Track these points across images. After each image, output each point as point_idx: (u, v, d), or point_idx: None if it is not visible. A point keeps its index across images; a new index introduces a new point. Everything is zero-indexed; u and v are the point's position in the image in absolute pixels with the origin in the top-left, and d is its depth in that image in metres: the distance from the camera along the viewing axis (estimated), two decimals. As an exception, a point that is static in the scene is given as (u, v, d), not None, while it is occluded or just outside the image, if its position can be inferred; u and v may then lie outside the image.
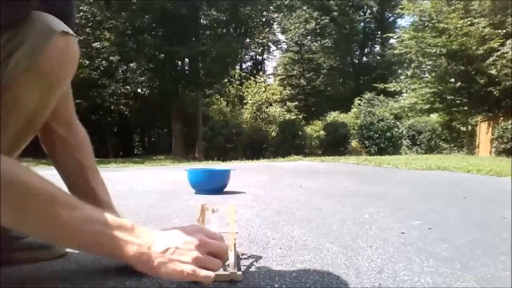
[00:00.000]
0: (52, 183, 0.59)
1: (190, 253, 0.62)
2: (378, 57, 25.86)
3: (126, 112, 17.91)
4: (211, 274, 0.62)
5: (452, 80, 13.02)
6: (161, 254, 0.61)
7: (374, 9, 25.46)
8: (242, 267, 0.81)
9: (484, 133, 12.26)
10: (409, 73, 15.17)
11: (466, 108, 13.60)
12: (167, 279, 0.66)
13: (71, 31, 0.70)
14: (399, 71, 22.32)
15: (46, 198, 0.57)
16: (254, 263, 0.85)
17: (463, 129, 15.52)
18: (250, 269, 0.80)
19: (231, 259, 0.75)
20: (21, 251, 0.81)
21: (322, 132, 14.17)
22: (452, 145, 15.24)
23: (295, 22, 24.83)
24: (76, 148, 0.87)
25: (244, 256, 0.89)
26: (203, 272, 0.62)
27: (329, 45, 25.59)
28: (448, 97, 13.41)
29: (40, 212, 0.56)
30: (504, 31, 11.57)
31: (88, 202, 0.64)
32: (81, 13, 14.05)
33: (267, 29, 21.84)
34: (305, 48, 26.51)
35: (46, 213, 0.56)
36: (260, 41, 23.96)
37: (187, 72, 15.81)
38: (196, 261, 0.62)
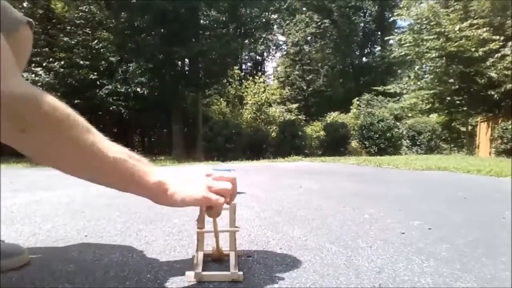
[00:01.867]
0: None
1: (201, 180, 0.69)
2: (378, 58, 25.87)
3: (126, 112, 17.90)
4: (222, 198, 0.69)
5: (452, 81, 13.02)
6: (174, 182, 0.68)
7: (374, 9, 25.48)
8: (239, 265, 0.81)
9: (484, 133, 12.26)
10: (411, 75, 15.18)
11: (466, 108, 13.61)
12: (182, 206, 0.70)
13: (31, 21, 0.78)
14: (399, 71, 22.34)
15: (81, 128, 0.61)
16: (254, 263, 0.84)
17: (463, 129, 15.52)
18: (250, 269, 0.80)
19: (232, 260, 0.75)
20: None
21: (322, 133, 14.16)
22: (452, 145, 15.25)
23: (296, 26, 24.86)
24: None
25: (244, 257, 0.89)
26: (214, 196, 0.68)
27: (329, 46, 25.61)
28: (448, 98, 13.41)
29: (75, 139, 0.60)
30: (503, 33, 11.58)
31: None
32: (81, 13, 14.06)
33: (267, 30, 21.84)
34: (305, 48, 26.53)
35: (79, 136, 0.60)
36: (260, 41, 23.96)
37: (187, 72, 15.81)
38: (207, 185, 0.69)
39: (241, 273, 0.72)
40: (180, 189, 0.67)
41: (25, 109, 0.55)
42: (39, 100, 0.57)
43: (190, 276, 0.71)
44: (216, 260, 0.82)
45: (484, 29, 11.62)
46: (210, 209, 0.70)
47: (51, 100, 0.59)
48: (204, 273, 0.72)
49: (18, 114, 0.55)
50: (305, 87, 25.95)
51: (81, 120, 0.62)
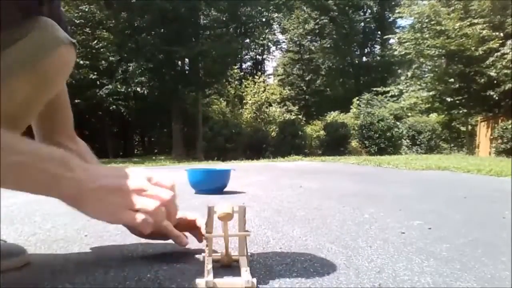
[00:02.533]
0: None
1: (124, 196, 0.59)
2: (378, 57, 25.86)
3: (126, 112, 17.91)
4: (147, 218, 0.59)
5: (452, 80, 13.02)
6: (96, 191, 0.58)
7: (374, 9, 25.46)
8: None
9: (484, 133, 12.27)
10: (409, 74, 15.19)
11: (465, 108, 13.62)
12: (97, 219, 0.63)
13: (75, 42, 0.73)
14: (399, 71, 22.34)
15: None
16: (254, 263, 0.84)
17: (463, 129, 15.52)
18: (250, 269, 0.80)
19: (244, 265, 0.74)
20: None
21: (322, 132, 14.17)
22: (452, 145, 15.25)
23: (294, 22, 24.85)
24: (88, 160, 0.86)
25: (250, 259, 0.88)
26: (137, 216, 0.58)
27: (329, 45, 25.60)
28: (448, 98, 13.41)
29: None
30: (503, 32, 11.57)
31: None
32: (81, 13, 14.05)
33: (267, 30, 21.84)
34: (305, 48, 26.52)
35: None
36: (260, 41, 23.96)
37: (187, 72, 15.82)
38: (130, 203, 0.59)
39: (254, 279, 0.70)
40: (95, 200, 0.59)
41: None
42: None
43: (201, 284, 0.68)
44: (224, 265, 0.81)
45: (485, 25, 11.62)
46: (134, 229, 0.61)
47: None
48: (216, 280, 0.68)
49: None
50: (304, 84, 25.94)
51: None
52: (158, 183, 0.66)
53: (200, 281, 0.68)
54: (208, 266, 0.72)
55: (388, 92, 16.83)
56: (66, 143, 0.83)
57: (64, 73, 0.73)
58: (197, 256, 0.89)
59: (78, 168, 0.59)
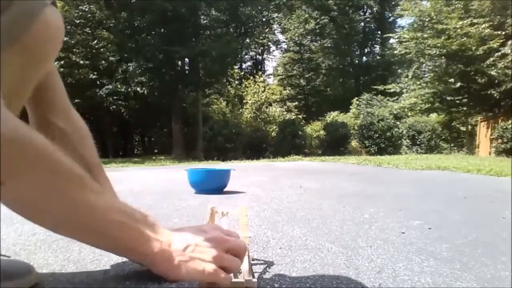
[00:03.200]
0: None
1: (210, 251, 0.59)
2: (378, 57, 25.86)
3: (126, 112, 17.91)
4: (230, 276, 0.60)
5: (452, 80, 13.03)
6: (181, 252, 0.58)
7: (374, 9, 25.46)
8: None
9: (484, 132, 12.26)
10: (410, 74, 15.19)
11: (466, 108, 13.62)
12: (187, 280, 0.63)
13: (54, 1, 0.65)
14: (399, 71, 22.34)
15: (76, 178, 0.52)
16: (267, 269, 0.83)
17: (463, 129, 15.52)
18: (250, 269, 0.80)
19: (245, 265, 0.74)
20: None
21: (322, 132, 14.17)
22: (452, 145, 15.25)
23: (295, 22, 24.85)
24: (78, 141, 0.80)
25: (255, 261, 0.88)
26: (223, 274, 0.59)
27: (329, 45, 25.60)
28: (448, 97, 13.41)
29: (66, 192, 0.51)
30: (504, 32, 11.58)
31: None
32: (81, 13, 14.05)
33: (267, 29, 21.85)
34: (305, 48, 26.53)
35: (74, 192, 0.51)
36: (260, 41, 23.97)
37: (187, 72, 15.81)
38: (216, 259, 0.59)
39: (255, 280, 0.70)
40: (185, 261, 0.58)
41: (6, 156, 0.45)
42: (25, 144, 0.47)
43: (202, 283, 0.68)
44: None
45: (486, 24, 11.62)
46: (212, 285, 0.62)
47: (41, 145, 0.49)
48: None
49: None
50: (304, 83, 25.94)
51: (78, 171, 0.52)
52: (230, 234, 0.67)
53: (201, 282, 0.68)
54: None
55: (389, 89, 16.81)
56: (58, 122, 0.77)
57: (54, 39, 0.64)
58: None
59: (164, 232, 0.60)
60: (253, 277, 0.71)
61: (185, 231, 0.63)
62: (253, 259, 0.88)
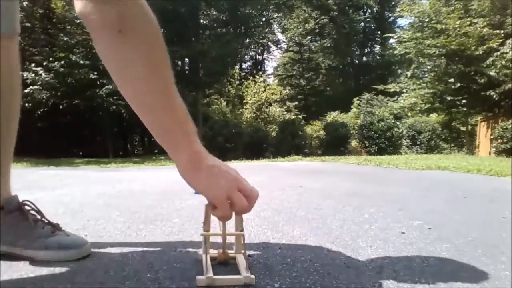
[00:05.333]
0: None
1: (228, 181, 0.66)
2: (378, 57, 25.87)
3: (126, 112, 17.89)
4: (228, 214, 0.67)
5: (452, 80, 13.03)
6: (208, 166, 0.66)
7: (374, 9, 25.47)
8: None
9: (484, 133, 12.26)
10: (409, 73, 15.20)
11: (465, 108, 13.62)
12: (201, 192, 0.69)
13: (17, 29, 0.75)
14: (399, 71, 22.35)
15: (169, 67, 0.63)
16: (254, 262, 0.84)
17: (463, 129, 15.52)
18: (250, 269, 0.80)
19: (243, 262, 0.74)
20: (45, 250, 0.82)
21: (322, 132, 14.17)
22: (452, 145, 15.25)
23: (295, 21, 24.86)
24: None
25: (250, 259, 0.88)
26: (225, 206, 0.66)
27: (329, 45, 25.61)
28: (448, 98, 13.42)
29: (164, 65, 0.63)
30: (503, 31, 11.58)
31: None
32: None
33: (267, 29, 21.84)
34: (305, 48, 26.53)
35: (167, 76, 0.63)
36: (260, 41, 23.97)
37: (186, 72, 15.81)
38: (230, 190, 0.66)
39: (253, 276, 0.71)
40: (207, 176, 0.66)
41: (125, 8, 0.57)
42: (140, 4, 0.60)
43: (201, 281, 0.68)
44: (221, 262, 0.81)
45: (485, 23, 11.62)
46: (214, 208, 0.68)
47: (147, 9, 0.63)
48: (215, 277, 0.69)
49: (116, 14, 0.55)
50: (304, 83, 25.95)
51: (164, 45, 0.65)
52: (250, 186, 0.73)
53: (200, 278, 0.68)
54: (207, 263, 0.73)
55: (389, 89, 16.82)
56: None
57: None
58: (196, 256, 0.89)
59: (203, 148, 0.68)
60: (251, 273, 0.72)
61: (218, 161, 0.70)
62: (249, 256, 0.88)
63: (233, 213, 0.78)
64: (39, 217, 0.89)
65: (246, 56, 27.03)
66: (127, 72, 0.62)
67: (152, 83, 0.62)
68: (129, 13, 0.57)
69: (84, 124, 16.36)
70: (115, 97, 15.61)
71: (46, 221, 0.90)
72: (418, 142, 13.48)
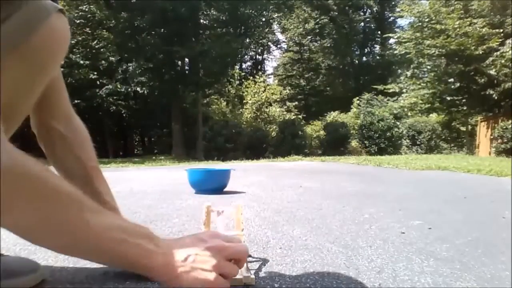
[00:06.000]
0: (71, 184, 0.55)
1: (210, 260, 0.60)
2: (378, 57, 25.87)
3: (126, 112, 17.91)
4: (227, 283, 0.62)
5: (452, 80, 13.03)
6: (182, 263, 0.59)
7: (374, 9, 25.47)
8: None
9: (484, 133, 12.26)
10: (408, 73, 15.20)
11: (465, 108, 13.61)
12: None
13: (62, 9, 0.65)
14: (399, 71, 22.34)
15: (74, 203, 0.53)
16: (262, 266, 0.84)
17: (463, 129, 15.51)
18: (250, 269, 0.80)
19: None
20: None
21: (322, 132, 14.16)
22: (452, 145, 15.23)
23: (295, 21, 24.86)
24: (77, 145, 0.82)
25: (250, 259, 0.88)
26: (223, 280, 0.61)
27: (329, 45, 25.60)
28: (448, 97, 13.41)
29: (64, 219, 0.52)
30: (503, 31, 11.58)
31: None
32: (81, 13, 14.05)
33: (267, 29, 21.83)
34: (305, 48, 26.53)
35: (73, 217, 0.52)
36: (260, 41, 23.96)
37: (187, 72, 15.80)
38: (216, 267, 0.60)
39: (253, 276, 0.71)
40: (187, 271, 0.59)
41: (3, 188, 0.46)
42: (20, 176, 0.48)
43: None
44: None
45: (485, 23, 11.62)
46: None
47: (37, 174, 0.50)
48: None
49: None
50: (304, 83, 25.94)
51: (75, 195, 0.54)
52: (231, 240, 0.67)
53: None
54: None
55: (389, 89, 16.82)
56: (58, 127, 0.79)
57: (59, 46, 0.65)
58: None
59: (164, 244, 0.61)
60: (251, 273, 0.72)
61: (186, 241, 0.64)
62: (249, 256, 0.88)
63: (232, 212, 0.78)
64: None
65: (246, 56, 27.03)
66: (31, 240, 0.55)
67: (62, 244, 0.55)
68: (12, 189, 0.47)
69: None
70: (115, 97, 15.64)
71: None
72: (418, 142, 13.47)
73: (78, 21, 14.09)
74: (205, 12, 15.66)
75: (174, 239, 0.65)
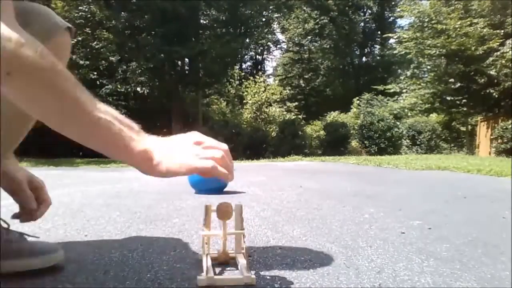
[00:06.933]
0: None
1: (191, 148, 0.64)
2: (378, 58, 25.86)
3: (126, 112, 17.88)
4: (210, 162, 0.63)
5: (452, 80, 13.03)
6: (162, 151, 0.63)
7: (374, 9, 25.46)
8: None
9: (484, 133, 12.26)
10: (408, 73, 15.20)
11: (465, 108, 13.62)
12: (169, 176, 0.65)
13: (70, 26, 0.75)
14: (399, 71, 22.34)
15: (72, 78, 0.61)
16: (254, 262, 0.84)
17: (463, 129, 15.52)
18: (250, 269, 0.80)
19: (243, 262, 0.74)
20: (14, 259, 0.75)
21: (322, 132, 14.16)
22: (452, 145, 15.24)
23: (294, 22, 24.86)
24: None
25: (250, 258, 0.88)
26: (202, 161, 0.62)
27: (329, 45, 25.61)
28: (448, 97, 13.42)
29: (62, 87, 0.59)
30: (503, 31, 11.58)
31: None
32: (81, 13, 14.04)
33: (266, 30, 21.83)
34: (305, 48, 26.53)
35: (67, 91, 0.59)
36: (260, 41, 23.96)
37: (187, 72, 15.80)
38: (197, 153, 0.63)
39: (254, 276, 0.71)
40: (166, 158, 0.63)
41: (11, 51, 0.53)
42: (26, 44, 0.55)
43: (202, 281, 0.68)
44: (222, 262, 0.81)
45: (485, 23, 11.63)
46: (202, 173, 0.64)
47: (39, 47, 0.58)
48: (216, 277, 0.69)
49: (4, 56, 0.53)
50: (304, 84, 25.94)
51: (70, 74, 0.61)
52: (209, 146, 0.69)
53: (201, 278, 0.68)
54: (207, 263, 0.73)
55: (389, 89, 16.83)
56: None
57: (63, 58, 0.74)
58: (196, 256, 0.89)
59: (146, 135, 0.66)
60: (251, 273, 0.72)
61: (167, 137, 0.68)
62: (249, 256, 0.88)
63: (233, 214, 0.78)
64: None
65: (246, 56, 27.04)
66: (28, 108, 0.61)
67: (56, 114, 0.60)
68: (19, 55, 0.54)
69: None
70: (115, 97, 15.61)
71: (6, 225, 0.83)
72: (418, 142, 13.47)
73: (78, 21, 14.08)
74: (205, 12, 15.66)
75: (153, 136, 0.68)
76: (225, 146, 0.69)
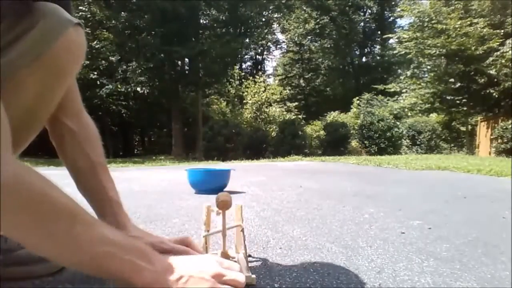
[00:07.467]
0: (69, 196, 0.55)
1: (204, 283, 0.59)
2: (378, 57, 25.86)
3: (126, 112, 17.90)
4: None
5: (452, 80, 13.03)
6: (174, 282, 0.58)
7: (374, 9, 25.47)
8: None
9: (484, 133, 12.26)
10: (408, 73, 15.20)
11: (465, 108, 13.62)
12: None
13: (80, 22, 0.71)
14: (399, 71, 22.34)
15: (66, 213, 0.53)
16: (262, 266, 0.84)
17: (463, 129, 15.51)
18: (250, 269, 0.80)
19: (243, 262, 0.74)
20: (13, 266, 0.74)
21: (322, 132, 14.16)
22: (452, 145, 15.24)
23: (295, 22, 24.87)
24: (86, 141, 0.84)
25: (250, 259, 0.88)
26: None
27: (329, 45, 25.61)
28: (448, 97, 13.42)
29: (56, 227, 0.52)
30: (503, 31, 11.59)
31: (97, 200, 0.67)
32: (81, 13, 14.04)
33: (266, 30, 21.84)
34: (305, 48, 26.53)
35: (62, 231, 0.52)
36: (260, 42, 23.97)
37: (186, 72, 15.81)
38: (214, 283, 0.59)
39: (254, 276, 0.71)
40: (186, 284, 0.58)
41: (4, 193, 0.47)
42: (22, 185, 0.49)
43: None
44: None
45: (485, 23, 11.63)
46: None
47: (38, 185, 0.52)
48: None
49: None
50: (304, 84, 25.94)
51: (70, 208, 0.54)
52: (229, 267, 0.66)
53: None
54: None
55: (389, 89, 16.83)
56: (67, 123, 0.82)
57: (76, 57, 0.71)
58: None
59: (158, 261, 0.59)
60: (251, 273, 0.72)
61: (182, 260, 0.63)
62: (249, 256, 0.88)
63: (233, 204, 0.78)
64: None
65: (246, 56, 27.05)
66: (24, 244, 0.56)
67: (52, 254, 0.55)
68: (13, 197, 0.48)
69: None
70: (115, 97, 15.63)
71: None
72: (418, 142, 13.47)
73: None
74: (205, 12, 15.67)
75: (169, 256, 0.64)
76: (242, 280, 0.64)
